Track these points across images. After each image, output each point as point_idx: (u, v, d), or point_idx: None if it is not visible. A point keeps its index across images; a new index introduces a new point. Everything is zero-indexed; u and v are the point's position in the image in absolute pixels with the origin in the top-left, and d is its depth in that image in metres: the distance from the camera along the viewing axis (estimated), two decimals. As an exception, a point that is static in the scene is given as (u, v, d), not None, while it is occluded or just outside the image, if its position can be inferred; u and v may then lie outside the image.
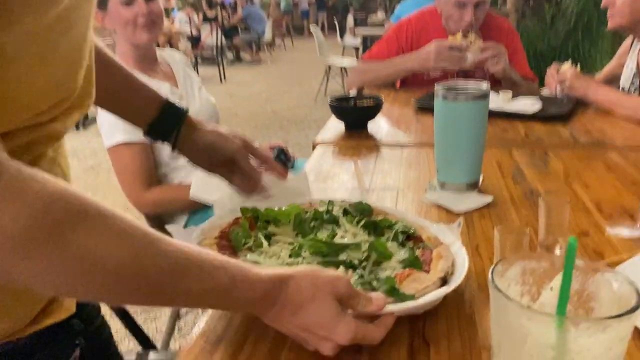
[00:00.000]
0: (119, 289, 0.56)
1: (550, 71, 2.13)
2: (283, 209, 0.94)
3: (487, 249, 1.00)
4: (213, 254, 0.63)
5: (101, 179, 4.00)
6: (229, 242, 0.87)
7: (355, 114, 1.79)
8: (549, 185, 1.29)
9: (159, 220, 2.01)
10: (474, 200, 1.19)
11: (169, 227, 0.88)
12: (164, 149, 1.89)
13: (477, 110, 1.19)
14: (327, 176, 1.38)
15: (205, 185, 1.06)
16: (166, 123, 0.96)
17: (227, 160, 0.98)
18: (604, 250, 0.99)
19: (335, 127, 1.79)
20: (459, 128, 1.20)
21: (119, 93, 0.93)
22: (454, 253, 0.88)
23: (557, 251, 0.96)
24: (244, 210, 0.94)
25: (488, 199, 1.19)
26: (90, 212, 0.54)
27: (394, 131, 1.79)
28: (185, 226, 1.94)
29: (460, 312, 0.79)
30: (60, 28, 0.59)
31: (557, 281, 0.53)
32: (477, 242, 1.01)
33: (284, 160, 2.07)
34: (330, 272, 0.71)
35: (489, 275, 0.52)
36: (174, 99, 1.64)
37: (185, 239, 0.86)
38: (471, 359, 0.72)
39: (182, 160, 1.94)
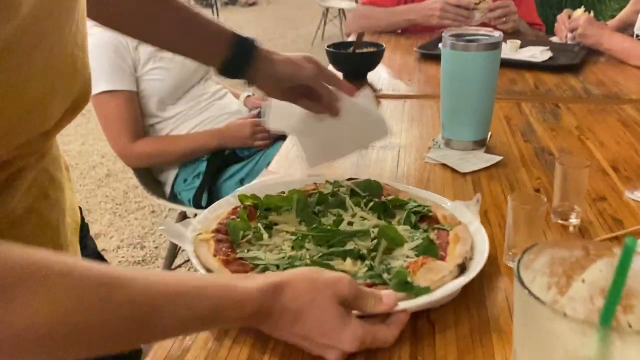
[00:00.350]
0: (81, 350, 0.48)
1: (561, 18, 2.01)
2: (285, 193, 0.87)
3: (497, 214, 0.92)
4: (190, 279, 0.55)
5: (92, 125, 3.89)
6: (226, 235, 0.79)
7: (354, 63, 1.68)
8: (561, 142, 1.20)
9: (148, 173, 1.93)
10: (482, 160, 1.10)
11: (161, 229, 0.80)
12: (151, 99, 1.79)
13: (488, 61, 1.09)
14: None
15: (279, 114, 1.02)
16: (239, 59, 0.91)
17: (301, 86, 0.95)
18: (624, 216, 0.91)
19: (332, 76, 1.68)
20: (468, 80, 1.10)
21: (186, 35, 0.89)
22: (473, 233, 0.80)
23: (573, 219, 0.88)
24: (242, 197, 0.86)
25: (497, 158, 1.10)
26: (33, 276, 0.45)
27: (395, 81, 1.68)
28: (176, 179, 1.86)
29: (468, 288, 0.72)
30: (23, 45, 0.52)
31: (591, 273, 0.45)
32: (485, 207, 0.93)
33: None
34: (331, 273, 0.63)
35: (514, 269, 0.44)
36: None
37: (180, 234, 0.79)
38: (480, 342, 0.65)
39: (170, 111, 1.86)
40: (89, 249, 0.91)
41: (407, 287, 0.68)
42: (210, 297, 0.54)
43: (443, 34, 1.12)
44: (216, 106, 1.88)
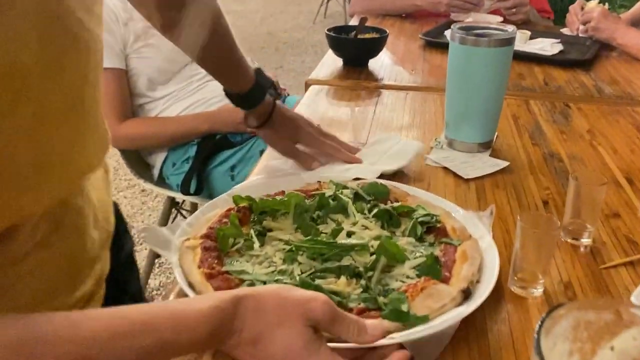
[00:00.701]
0: None
1: (574, 8, 1.92)
2: (284, 193, 0.81)
3: (502, 228, 0.85)
4: (131, 314, 0.48)
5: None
6: (216, 242, 0.72)
7: (355, 49, 1.59)
8: (571, 147, 1.13)
9: (136, 154, 1.85)
10: (487, 165, 1.03)
11: (142, 236, 0.72)
12: (141, 77, 1.70)
13: (499, 58, 1.01)
14: (320, 124, 1.21)
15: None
16: (254, 97, 0.99)
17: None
18: (639, 237, 0.84)
19: (332, 62, 1.60)
20: (476, 78, 1.02)
21: (222, 62, 0.97)
22: (483, 250, 0.73)
23: (584, 239, 0.81)
24: (236, 199, 0.79)
25: (503, 163, 1.03)
26: None
27: (397, 70, 1.59)
28: (164, 162, 1.78)
29: (468, 316, 0.64)
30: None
31: (622, 341, 0.38)
32: (489, 219, 0.86)
33: (273, 95, 1.88)
34: (305, 291, 0.55)
35: (534, 334, 0.37)
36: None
37: (166, 241, 0.72)
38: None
39: (161, 91, 1.77)
40: (125, 251, 0.84)
41: (402, 316, 0.61)
42: (154, 331, 0.48)
43: (452, 27, 1.03)
44: (209, 88, 1.78)
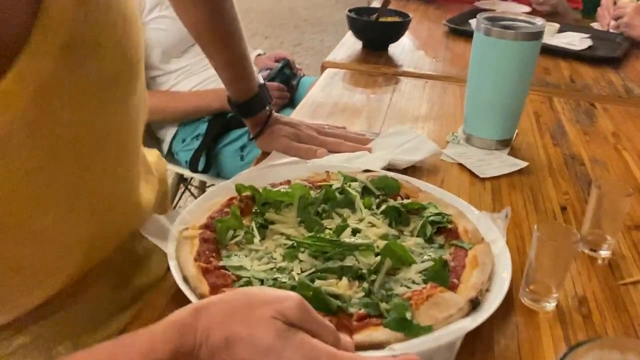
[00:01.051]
0: None
1: (606, 3, 1.84)
2: (287, 188, 0.76)
3: (516, 233, 0.81)
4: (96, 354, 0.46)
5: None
6: (214, 233, 0.69)
7: (375, 32, 1.53)
8: (594, 151, 1.07)
9: (146, 129, 1.81)
10: (505, 164, 0.98)
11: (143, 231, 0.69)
12: (154, 50, 1.66)
13: (525, 52, 0.95)
14: (333, 110, 1.17)
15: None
16: (251, 107, 0.99)
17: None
18: (662, 252, 0.79)
19: (351, 44, 1.55)
20: (500, 72, 0.97)
21: (229, 66, 0.97)
22: (495, 255, 0.69)
23: (603, 251, 0.77)
24: (239, 187, 0.75)
25: (521, 164, 0.98)
26: None
27: (418, 57, 1.53)
28: (174, 138, 1.75)
29: (475, 330, 0.61)
30: None
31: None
32: (503, 222, 0.82)
33: (288, 75, 1.84)
34: (277, 291, 0.51)
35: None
36: None
37: (164, 230, 0.68)
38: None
39: (174, 64, 1.73)
40: None
41: (404, 326, 0.58)
42: None
43: (477, 16, 0.98)
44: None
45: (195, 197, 1.94)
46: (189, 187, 2.07)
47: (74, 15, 0.49)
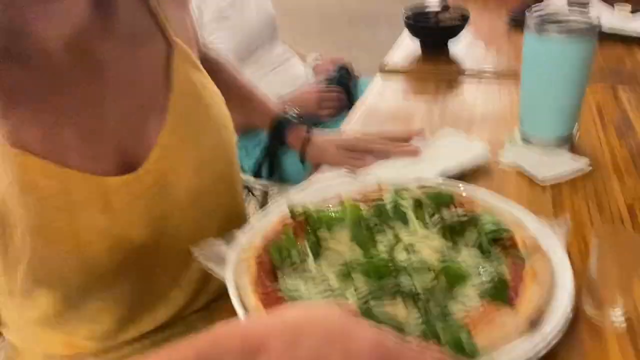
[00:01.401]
0: None
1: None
2: (340, 211, 0.77)
3: (579, 241, 0.78)
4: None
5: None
6: (270, 255, 0.71)
7: (434, 35, 1.51)
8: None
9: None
10: (565, 165, 0.95)
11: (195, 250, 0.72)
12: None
13: (579, 52, 0.92)
14: (388, 117, 1.17)
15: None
16: (282, 131, 1.06)
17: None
18: None
19: (408, 45, 1.53)
20: (552, 73, 0.94)
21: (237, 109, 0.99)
22: (554, 265, 0.67)
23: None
24: (293, 211, 0.77)
25: (583, 165, 0.94)
26: None
27: (478, 54, 1.48)
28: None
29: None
30: None
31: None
32: (564, 229, 0.80)
33: (346, 78, 1.84)
34: (365, 329, 0.50)
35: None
36: (224, 5, 1.49)
37: (219, 254, 0.70)
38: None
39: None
40: None
41: (463, 349, 0.57)
42: None
43: (527, 13, 0.95)
44: (281, 70, 1.77)
45: (259, 202, 1.98)
46: (253, 192, 2.12)
47: None
